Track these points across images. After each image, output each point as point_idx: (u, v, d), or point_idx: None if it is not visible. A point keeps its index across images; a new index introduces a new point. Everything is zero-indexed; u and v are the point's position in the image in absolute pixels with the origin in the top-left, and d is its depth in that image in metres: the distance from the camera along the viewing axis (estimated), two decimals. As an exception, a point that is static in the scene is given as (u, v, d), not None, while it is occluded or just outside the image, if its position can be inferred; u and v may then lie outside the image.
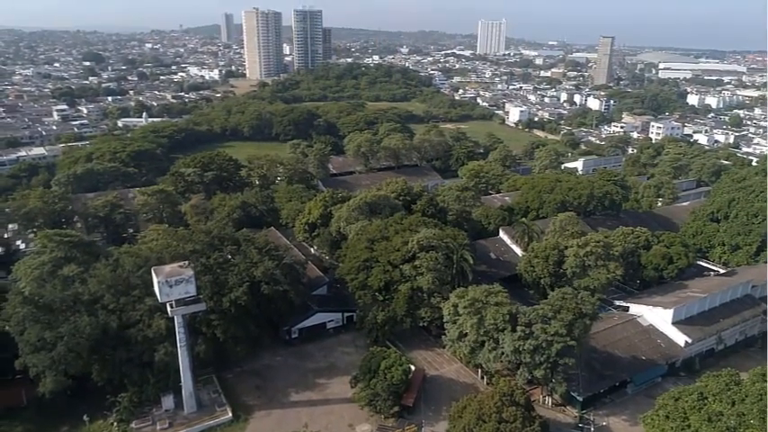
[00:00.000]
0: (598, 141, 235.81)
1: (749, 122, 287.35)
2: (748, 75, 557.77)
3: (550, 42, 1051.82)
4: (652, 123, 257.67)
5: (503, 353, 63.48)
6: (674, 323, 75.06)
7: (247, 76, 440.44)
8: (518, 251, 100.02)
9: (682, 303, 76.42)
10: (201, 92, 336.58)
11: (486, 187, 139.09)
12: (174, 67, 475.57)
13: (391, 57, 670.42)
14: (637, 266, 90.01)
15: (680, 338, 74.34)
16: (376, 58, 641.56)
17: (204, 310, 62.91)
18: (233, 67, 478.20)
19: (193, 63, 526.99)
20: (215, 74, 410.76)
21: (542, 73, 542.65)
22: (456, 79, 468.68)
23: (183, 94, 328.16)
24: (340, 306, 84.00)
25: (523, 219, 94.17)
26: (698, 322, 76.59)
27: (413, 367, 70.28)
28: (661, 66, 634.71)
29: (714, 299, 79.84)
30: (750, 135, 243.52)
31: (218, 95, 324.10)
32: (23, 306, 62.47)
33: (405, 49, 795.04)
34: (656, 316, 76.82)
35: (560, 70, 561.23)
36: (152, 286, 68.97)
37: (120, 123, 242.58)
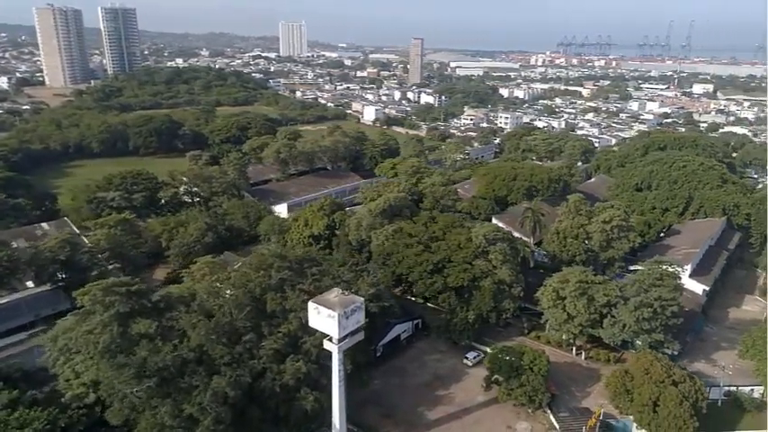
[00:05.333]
0: (459, 134, 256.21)
1: (557, 110, 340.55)
2: (522, 71, 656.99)
3: (341, 45, 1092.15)
4: (499, 114, 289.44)
5: (624, 325, 68.55)
6: (690, 276, 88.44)
7: (47, 83, 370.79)
8: (517, 236, 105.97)
9: (690, 259, 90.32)
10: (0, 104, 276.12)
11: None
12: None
13: (195, 60, 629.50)
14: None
15: (698, 288, 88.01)
16: (179, 60, 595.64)
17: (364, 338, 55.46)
18: (18, 74, 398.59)
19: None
20: (2, 82, 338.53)
21: (359, 73, 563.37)
22: (282, 81, 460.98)
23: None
24: (408, 315, 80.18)
25: (529, 205, 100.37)
26: (701, 273, 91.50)
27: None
28: (452, 64, 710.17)
29: (701, 252, 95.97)
30: (572, 121, 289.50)
31: (26, 107, 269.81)
32: (139, 381, 47.70)
33: (205, 52, 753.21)
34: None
35: (374, 70, 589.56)
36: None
37: None
